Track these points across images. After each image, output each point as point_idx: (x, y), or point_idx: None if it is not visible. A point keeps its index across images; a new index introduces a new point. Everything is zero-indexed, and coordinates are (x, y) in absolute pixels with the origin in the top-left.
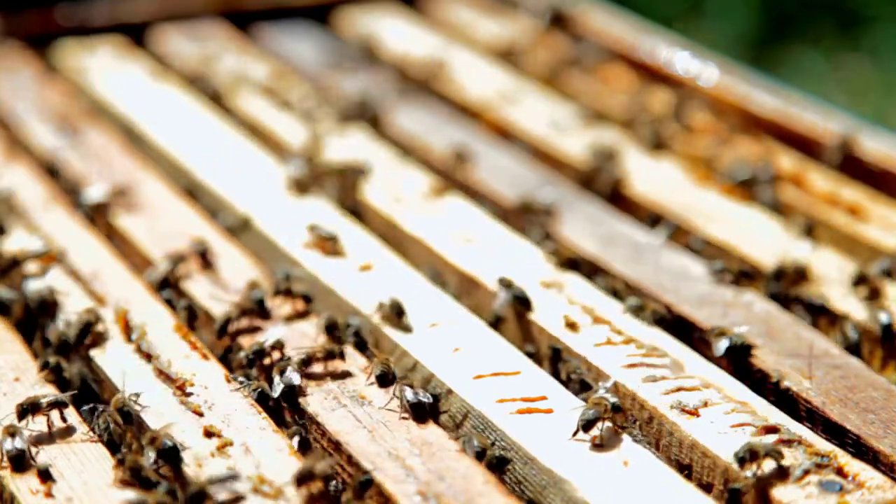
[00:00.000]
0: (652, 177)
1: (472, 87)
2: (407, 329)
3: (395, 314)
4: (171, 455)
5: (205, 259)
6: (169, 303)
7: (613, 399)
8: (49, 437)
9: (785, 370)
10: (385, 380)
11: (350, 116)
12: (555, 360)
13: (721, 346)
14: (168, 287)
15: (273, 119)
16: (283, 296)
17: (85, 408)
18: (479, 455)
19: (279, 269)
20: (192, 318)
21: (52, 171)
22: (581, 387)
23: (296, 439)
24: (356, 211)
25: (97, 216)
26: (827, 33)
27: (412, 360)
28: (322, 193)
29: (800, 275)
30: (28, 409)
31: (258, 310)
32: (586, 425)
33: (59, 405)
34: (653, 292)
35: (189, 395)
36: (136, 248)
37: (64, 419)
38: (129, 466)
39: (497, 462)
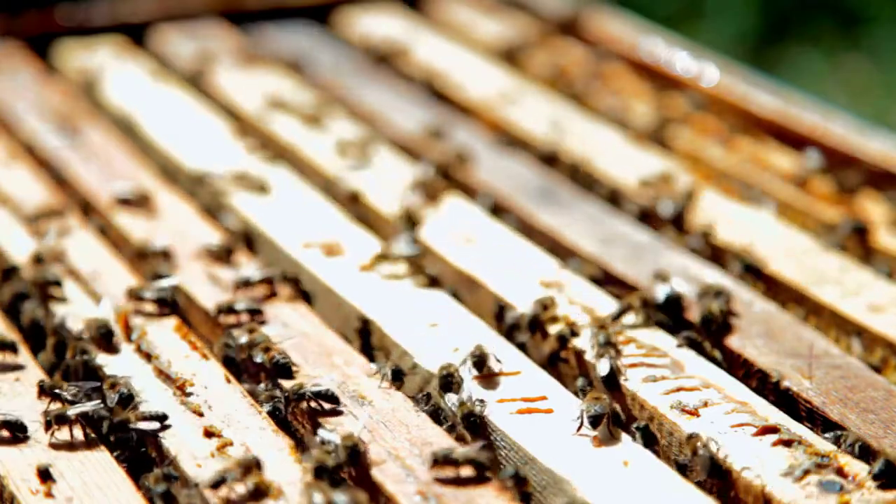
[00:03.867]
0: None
1: (472, 86)
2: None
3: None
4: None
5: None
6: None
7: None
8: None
9: (785, 370)
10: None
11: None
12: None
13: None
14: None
15: (273, 119)
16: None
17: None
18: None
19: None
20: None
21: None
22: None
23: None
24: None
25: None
26: (827, 33)
27: (412, 361)
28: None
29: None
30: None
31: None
32: (594, 421)
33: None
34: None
35: (189, 395)
36: (135, 248)
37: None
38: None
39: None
